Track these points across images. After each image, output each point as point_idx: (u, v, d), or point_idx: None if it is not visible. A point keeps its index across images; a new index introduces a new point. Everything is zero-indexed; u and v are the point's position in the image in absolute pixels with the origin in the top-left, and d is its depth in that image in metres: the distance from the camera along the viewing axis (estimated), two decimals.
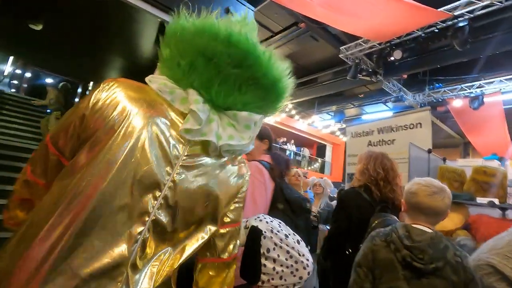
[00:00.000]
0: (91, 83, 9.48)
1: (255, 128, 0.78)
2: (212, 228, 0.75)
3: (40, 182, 0.72)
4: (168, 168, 0.65)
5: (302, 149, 17.24)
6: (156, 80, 0.74)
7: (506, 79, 6.99)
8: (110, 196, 0.59)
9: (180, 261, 0.68)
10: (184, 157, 0.69)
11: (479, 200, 2.04)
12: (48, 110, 6.22)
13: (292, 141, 16.05)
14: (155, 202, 0.63)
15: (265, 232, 0.94)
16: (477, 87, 7.43)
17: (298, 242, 0.98)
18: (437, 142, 2.33)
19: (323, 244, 2.15)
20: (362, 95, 11.86)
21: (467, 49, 5.24)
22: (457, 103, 7.79)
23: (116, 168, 0.60)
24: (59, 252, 0.54)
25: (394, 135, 2.62)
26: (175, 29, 0.74)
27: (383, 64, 6.96)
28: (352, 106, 12.94)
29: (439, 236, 1.15)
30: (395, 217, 1.63)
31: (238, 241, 0.83)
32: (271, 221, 1.00)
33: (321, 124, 16.24)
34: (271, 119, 14.27)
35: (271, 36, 8.47)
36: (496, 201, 1.98)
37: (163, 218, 0.64)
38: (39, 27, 3.01)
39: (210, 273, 0.77)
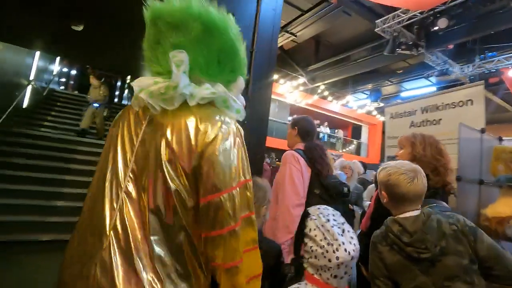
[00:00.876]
0: (129, 76, 9.98)
1: (180, 66, 0.79)
2: (172, 185, 0.75)
3: None
4: (132, 147, 0.81)
5: (336, 130, 16.75)
6: None
7: None
8: (104, 176, 0.81)
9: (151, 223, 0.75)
10: (142, 134, 0.82)
11: None
12: (96, 104, 6.47)
13: (326, 123, 15.63)
14: (126, 176, 0.79)
15: (313, 215, 1.04)
16: None
17: (343, 231, 1.00)
18: (487, 117, 2.07)
19: (361, 230, 2.10)
20: (400, 71, 11.08)
21: None
22: None
23: (102, 160, 0.86)
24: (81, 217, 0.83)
25: (440, 114, 2.41)
26: None
27: (425, 35, 6.39)
28: (390, 83, 12.17)
29: (427, 214, 1.13)
30: (445, 203, 1.54)
31: (233, 212, 0.76)
32: (325, 209, 1.07)
33: (355, 104, 15.56)
34: (303, 102, 14.00)
35: (301, 15, 8.15)
36: None
37: (132, 189, 0.78)
38: (80, 28, 3.22)
39: (210, 246, 0.77)
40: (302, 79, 12.00)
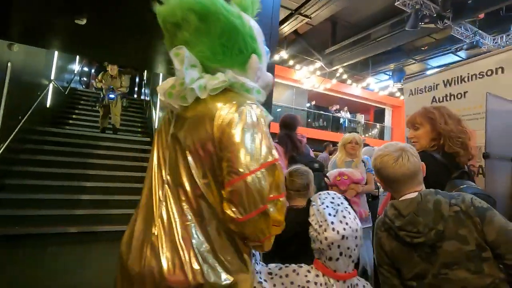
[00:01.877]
0: (145, 71, 10.14)
1: (183, 61, 0.85)
2: (197, 176, 0.82)
3: None
4: (165, 143, 0.92)
5: (355, 115, 16.21)
6: None
7: None
8: (151, 170, 0.93)
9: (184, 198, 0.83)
10: (171, 130, 0.90)
11: None
12: (112, 96, 6.41)
13: (346, 108, 15.14)
14: (165, 170, 0.88)
15: (313, 202, 1.05)
16: None
17: (336, 212, 1.02)
18: None
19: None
20: (425, 47, 10.39)
21: None
22: None
23: (150, 157, 0.97)
24: None
25: (466, 86, 2.16)
26: None
27: (451, 5, 5.88)
28: (414, 61, 11.47)
29: (424, 195, 1.01)
30: (474, 183, 1.36)
31: (260, 194, 0.75)
32: (324, 193, 1.08)
33: (377, 86, 14.90)
34: (320, 87, 13.59)
35: None
36: None
37: (171, 182, 0.86)
38: (83, 22, 3.23)
39: (242, 228, 0.78)
40: (318, 63, 11.61)
